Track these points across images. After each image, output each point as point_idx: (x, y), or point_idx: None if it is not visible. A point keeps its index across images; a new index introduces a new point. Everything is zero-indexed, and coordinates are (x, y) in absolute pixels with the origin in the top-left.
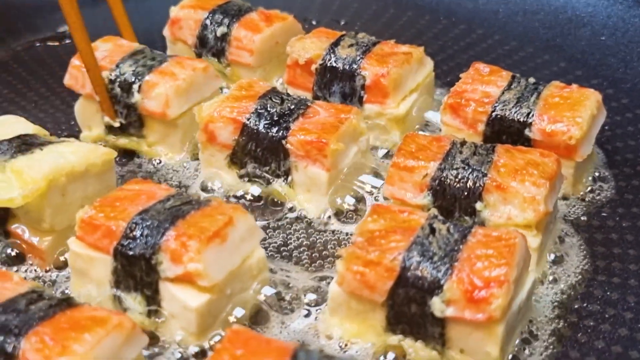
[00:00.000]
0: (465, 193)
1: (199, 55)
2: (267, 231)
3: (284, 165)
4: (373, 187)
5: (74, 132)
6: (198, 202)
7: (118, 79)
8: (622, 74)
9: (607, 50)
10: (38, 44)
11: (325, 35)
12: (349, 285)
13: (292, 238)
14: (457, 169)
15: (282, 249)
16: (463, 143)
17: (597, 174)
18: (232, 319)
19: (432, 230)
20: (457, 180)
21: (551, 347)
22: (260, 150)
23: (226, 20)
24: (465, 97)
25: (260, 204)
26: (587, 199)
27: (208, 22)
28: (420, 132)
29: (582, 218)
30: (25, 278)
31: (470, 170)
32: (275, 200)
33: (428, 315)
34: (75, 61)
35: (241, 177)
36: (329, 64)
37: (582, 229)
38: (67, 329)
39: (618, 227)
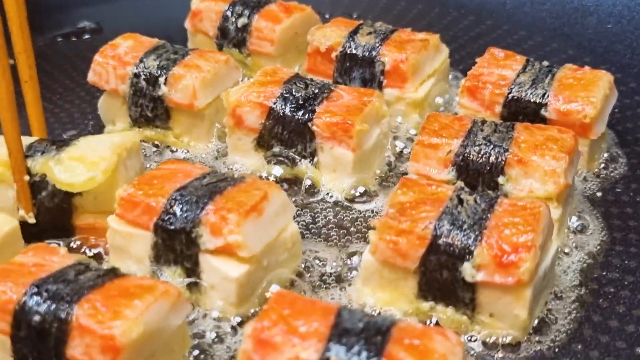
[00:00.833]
0: (488, 168)
1: (220, 46)
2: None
3: (310, 147)
4: (393, 167)
5: (101, 123)
6: (233, 179)
7: (143, 73)
8: (629, 59)
9: (614, 38)
10: (60, 39)
11: (344, 25)
12: (382, 254)
13: (320, 217)
14: (479, 145)
15: (310, 226)
16: (484, 122)
17: (609, 152)
18: (268, 295)
19: (460, 201)
20: (479, 155)
21: (575, 311)
22: (287, 132)
23: (247, 12)
24: (482, 80)
25: (287, 185)
26: (601, 176)
27: (229, 13)
28: None
29: (598, 194)
30: None
31: (492, 146)
32: (301, 181)
33: (459, 281)
34: (98, 58)
35: (268, 159)
36: (348, 51)
37: (598, 203)
38: (117, 296)
39: (632, 202)
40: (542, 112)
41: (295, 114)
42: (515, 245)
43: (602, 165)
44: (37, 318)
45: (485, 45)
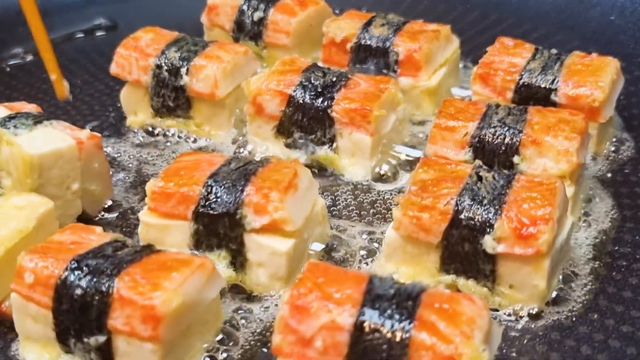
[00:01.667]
0: (503, 148)
1: (236, 39)
2: None
3: (329, 133)
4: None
5: (122, 114)
6: (258, 161)
7: (165, 64)
8: (633, 49)
9: (617, 29)
10: (79, 35)
11: (358, 17)
12: (405, 229)
13: (340, 199)
14: (494, 127)
15: (332, 209)
16: (497, 105)
17: (617, 137)
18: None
19: (479, 178)
20: (495, 137)
21: (590, 283)
22: (307, 119)
23: (262, 6)
24: (494, 68)
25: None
26: (610, 158)
27: (245, 7)
28: None
29: (608, 175)
30: None
31: (506, 128)
32: (321, 166)
33: (480, 253)
34: (120, 50)
35: (287, 146)
36: (363, 42)
37: (607, 184)
38: (155, 269)
39: None
40: (552, 97)
41: (314, 101)
42: (533, 218)
43: (611, 148)
44: (78, 291)
45: (491, 38)
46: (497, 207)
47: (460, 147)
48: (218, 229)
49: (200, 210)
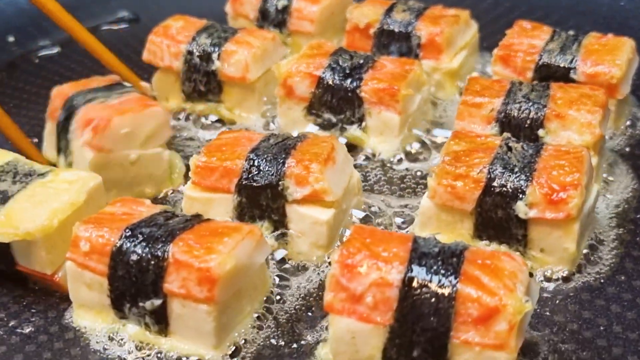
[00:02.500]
0: (528, 122)
1: (260, 28)
2: None
3: (358, 113)
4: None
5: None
6: (297, 137)
7: (196, 50)
8: None
9: (628, 14)
10: (104, 27)
11: (379, 3)
12: (440, 197)
13: (371, 175)
14: (519, 102)
15: (363, 184)
16: (521, 82)
17: (633, 114)
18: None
19: (509, 148)
20: (520, 111)
21: (615, 249)
22: (336, 100)
23: None
24: (514, 49)
25: None
26: (627, 134)
27: None
28: None
29: (626, 149)
30: None
31: (531, 103)
32: (351, 145)
33: (512, 219)
34: (152, 37)
35: (317, 126)
36: (385, 28)
37: (626, 156)
38: (207, 235)
39: None
40: (571, 75)
41: (343, 82)
42: (563, 184)
43: (628, 123)
44: (134, 257)
45: (505, 25)
46: (527, 174)
47: (487, 122)
48: (260, 201)
49: (244, 182)
